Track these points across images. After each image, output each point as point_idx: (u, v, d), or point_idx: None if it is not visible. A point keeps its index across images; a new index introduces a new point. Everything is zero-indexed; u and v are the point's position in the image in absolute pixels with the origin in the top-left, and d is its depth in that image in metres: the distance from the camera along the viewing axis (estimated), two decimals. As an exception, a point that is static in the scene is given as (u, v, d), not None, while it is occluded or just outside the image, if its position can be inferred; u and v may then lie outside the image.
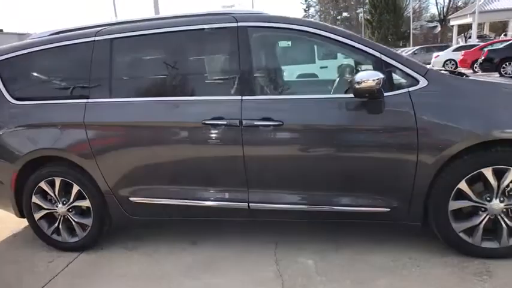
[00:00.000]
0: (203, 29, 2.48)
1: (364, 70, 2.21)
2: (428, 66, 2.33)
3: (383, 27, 40.45)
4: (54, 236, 2.83)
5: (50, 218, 2.82)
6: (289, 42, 2.80)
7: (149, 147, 2.56)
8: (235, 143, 2.37)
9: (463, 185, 2.22)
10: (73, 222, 2.77)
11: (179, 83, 2.61)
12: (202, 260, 2.58)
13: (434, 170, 2.21)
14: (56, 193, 2.74)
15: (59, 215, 2.78)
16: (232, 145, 2.39)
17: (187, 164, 2.54)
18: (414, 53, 23.19)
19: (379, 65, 2.29)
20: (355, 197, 2.37)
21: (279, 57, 2.76)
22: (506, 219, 2.25)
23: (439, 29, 44.59)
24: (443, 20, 41.73)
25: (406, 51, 22.85)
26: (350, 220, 2.45)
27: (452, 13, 36.85)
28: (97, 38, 2.64)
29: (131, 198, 2.64)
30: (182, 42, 2.61)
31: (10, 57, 2.83)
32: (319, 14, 53.87)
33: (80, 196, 2.72)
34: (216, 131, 2.40)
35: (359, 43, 2.32)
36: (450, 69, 14.59)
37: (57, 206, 2.76)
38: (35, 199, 2.77)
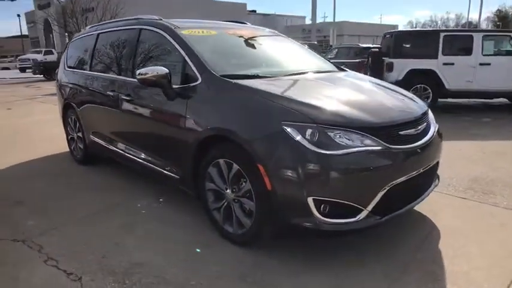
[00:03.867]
0: (122, 29, 3.65)
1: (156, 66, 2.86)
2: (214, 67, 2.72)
3: None
4: (74, 152, 4.71)
5: (72, 139, 4.70)
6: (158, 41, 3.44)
7: (93, 105, 3.99)
8: (118, 109, 3.50)
9: (211, 170, 2.63)
10: (78, 145, 4.55)
11: (107, 65, 3.87)
12: (100, 185, 3.85)
13: (191, 153, 2.70)
14: (72, 125, 4.57)
15: (74, 138, 4.62)
16: (118, 110, 3.52)
17: (106, 118, 3.82)
18: None
19: (183, 63, 2.87)
20: (159, 160, 3.11)
21: (150, 51, 3.55)
22: (235, 209, 2.53)
23: None
24: None
25: None
26: (160, 178, 3.18)
27: None
28: (92, 33, 4.21)
29: (90, 136, 4.16)
30: (111, 39, 3.85)
31: (71, 41, 4.79)
32: None
33: (79, 130, 4.45)
34: (112, 99, 3.57)
35: (176, 44, 2.96)
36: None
37: (74, 133, 4.60)
38: (68, 127, 4.71)
